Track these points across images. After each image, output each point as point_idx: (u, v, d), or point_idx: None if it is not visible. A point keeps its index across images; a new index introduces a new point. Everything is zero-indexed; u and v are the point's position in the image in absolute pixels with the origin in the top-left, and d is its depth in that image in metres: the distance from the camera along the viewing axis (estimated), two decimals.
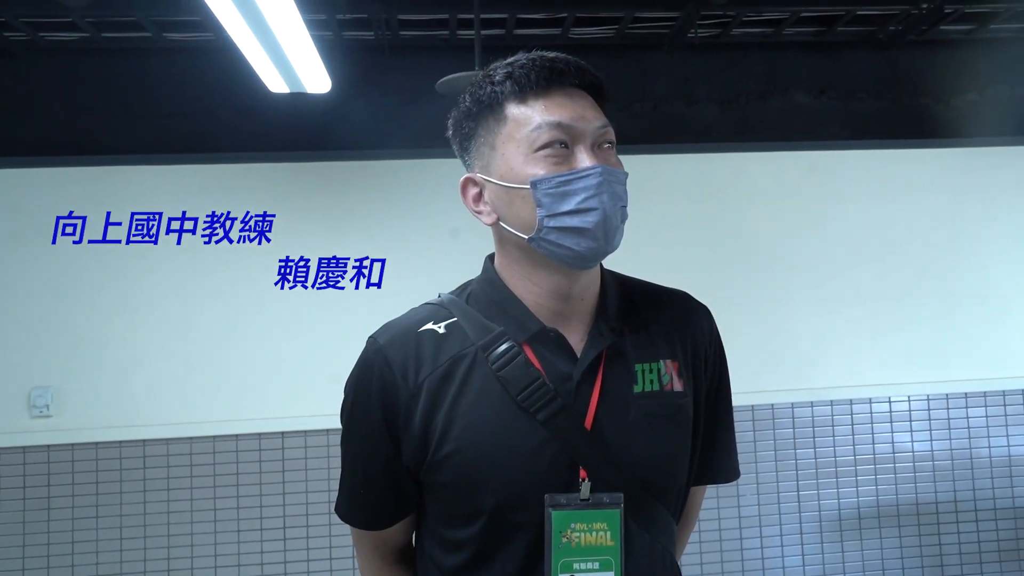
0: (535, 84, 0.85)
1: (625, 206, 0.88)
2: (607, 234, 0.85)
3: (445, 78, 2.27)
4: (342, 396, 0.95)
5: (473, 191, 0.92)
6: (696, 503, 1.08)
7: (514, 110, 0.86)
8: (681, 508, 0.97)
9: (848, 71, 3.11)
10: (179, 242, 2.97)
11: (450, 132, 0.94)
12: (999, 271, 3.26)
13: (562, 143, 0.85)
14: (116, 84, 2.86)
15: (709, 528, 3.05)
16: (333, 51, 2.59)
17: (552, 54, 0.88)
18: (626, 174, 0.89)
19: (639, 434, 0.89)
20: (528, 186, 0.85)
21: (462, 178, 0.92)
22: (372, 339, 0.93)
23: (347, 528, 1.00)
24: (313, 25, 2.03)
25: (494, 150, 0.88)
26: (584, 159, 0.85)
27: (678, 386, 0.93)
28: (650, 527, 0.90)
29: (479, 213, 0.92)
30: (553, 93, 0.86)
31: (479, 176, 0.90)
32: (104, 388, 2.91)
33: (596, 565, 0.86)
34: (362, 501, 0.95)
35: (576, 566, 0.86)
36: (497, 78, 0.87)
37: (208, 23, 2.60)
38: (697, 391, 0.96)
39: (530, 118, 0.85)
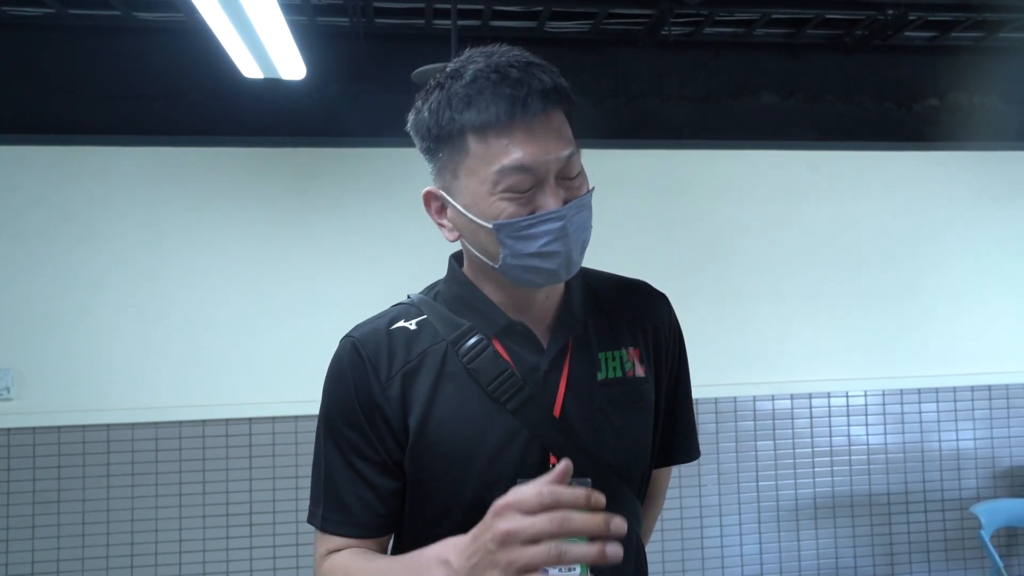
0: (495, 120, 0.80)
1: (589, 229, 0.88)
2: (569, 269, 0.87)
3: (421, 68, 2.28)
4: (315, 390, 0.96)
5: (436, 203, 0.91)
6: (662, 485, 1.12)
7: (475, 144, 0.83)
8: (645, 489, 1.01)
9: (815, 74, 3.19)
10: (147, 226, 2.93)
11: (410, 130, 0.91)
12: (954, 273, 3.38)
13: (526, 184, 0.82)
14: (83, 63, 2.81)
15: (671, 516, 3.12)
16: (307, 37, 2.57)
17: (516, 67, 0.82)
18: (590, 192, 0.88)
19: (604, 420, 0.93)
20: (491, 226, 0.84)
21: (424, 191, 0.91)
22: (345, 337, 0.95)
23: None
24: (287, 10, 2.02)
25: (456, 179, 0.86)
26: (549, 200, 0.83)
27: (640, 372, 0.96)
28: (616, 508, 0.93)
29: (442, 226, 0.91)
30: (516, 128, 0.81)
31: (441, 193, 0.89)
32: (67, 371, 2.86)
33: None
34: (342, 501, 0.92)
35: None
36: (456, 102, 0.82)
37: (180, 3, 2.57)
38: (658, 376, 1.00)
39: (492, 157, 0.82)
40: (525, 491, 0.69)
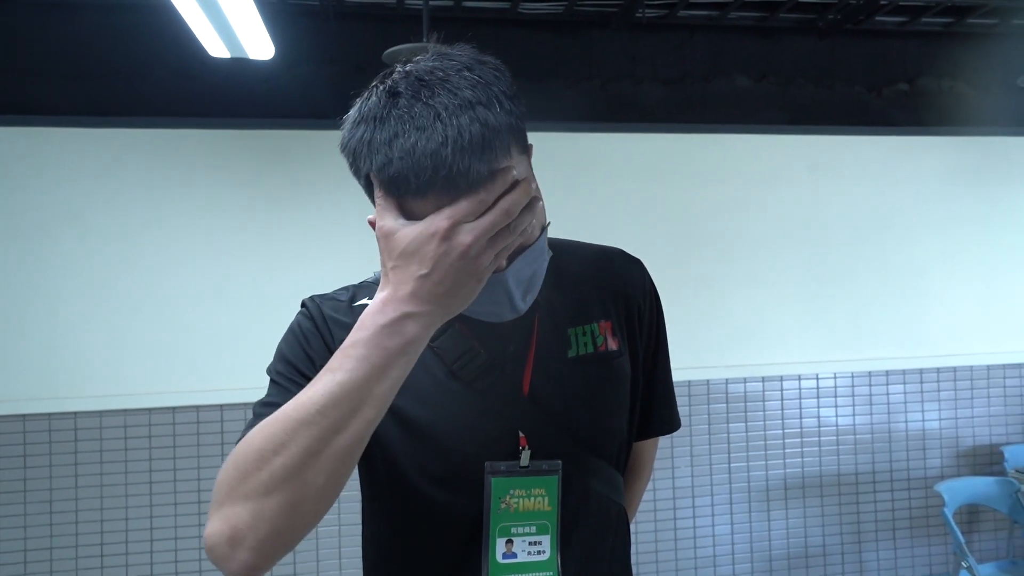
0: (415, 191, 0.71)
1: (541, 263, 0.82)
2: (515, 312, 0.82)
3: (392, 49, 2.24)
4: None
5: None
6: (647, 457, 1.11)
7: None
8: (625, 461, 1.00)
9: (788, 57, 3.20)
10: (113, 211, 2.87)
11: (341, 152, 0.79)
12: (922, 257, 3.43)
13: None
14: (44, 40, 2.72)
15: (644, 499, 3.15)
16: (276, 16, 2.52)
17: (442, 121, 0.69)
18: (545, 229, 0.80)
19: (576, 398, 0.91)
20: None
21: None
22: (307, 300, 0.93)
23: None
24: None
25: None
26: None
27: (613, 345, 0.94)
28: (592, 480, 0.93)
29: None
30: (434, 198, 0.70)
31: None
32: (32, 359, 2.80)
33: (533, 529, 0.89)
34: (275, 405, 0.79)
35: (514, 530, 0.89)
36: (377, 157, 0.71)
37: None
38: (634, 346, 0.97)
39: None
40: (462, 206, 0.69)
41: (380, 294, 0.72)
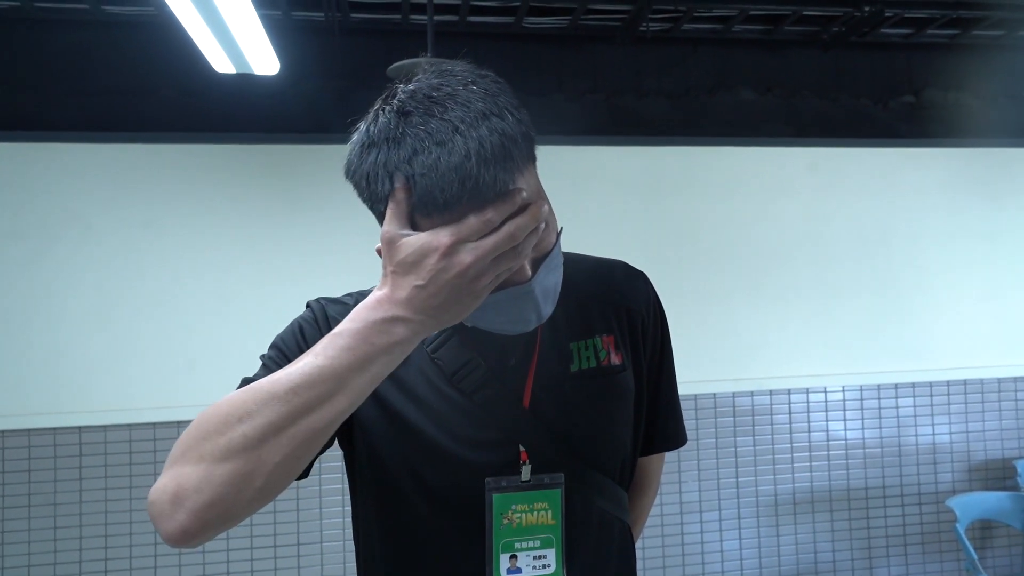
0: (442, 207, 0.70)
1: (560, 271, 0.82)
2: (540, 319, 0.81)
3: (396, 64, 2.25)
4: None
5: None
6: (652, 473, 1.09)
7: (421, 220, 0.73)
8: (629, 477, 0.98)
9: (793, 70, 3.20)
10: (120, 226, 2.88)
11: (347, 179, 0.78)
12: (929, 269, 3.41)
13: None
14: (50, 57, 2.75)
15: (651, 513, 3.11)
16: (281, 31, 2.54)
17: (462, 134, 0.68)
18: (559, 235, 0.80)
19: (578, 412, 0.90)
20: None
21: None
22: (313, 301, 0.95)
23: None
24: (260, 4, 1.99)
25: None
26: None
27: (616, 360, 0.93)
28: (595, 496, 0.92)
29: None
30: (449, 212, 0.69)
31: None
32: (38, 373, 2.80)
33: (538, 543, 0.88)
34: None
35: (518, 545, 0.87)
36: (397, 175, 0.71)
37: None
38: (638, 361, 0.96)
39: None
40: (468, 224, 0.68)
41: (377, 292, 0.72)
